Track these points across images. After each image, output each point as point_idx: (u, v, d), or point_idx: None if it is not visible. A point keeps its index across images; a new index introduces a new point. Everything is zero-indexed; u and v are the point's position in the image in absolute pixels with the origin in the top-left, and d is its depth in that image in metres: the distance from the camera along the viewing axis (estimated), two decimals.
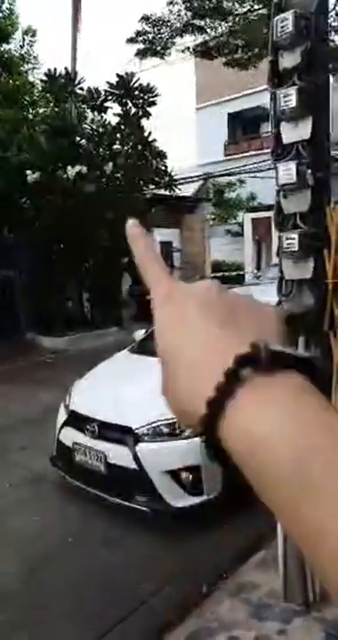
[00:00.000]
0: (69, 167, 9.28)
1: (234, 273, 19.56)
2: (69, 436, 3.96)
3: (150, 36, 12.07)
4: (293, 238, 2.36)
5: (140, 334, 5.30)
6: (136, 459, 3.44)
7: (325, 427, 0.29)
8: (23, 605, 2.83)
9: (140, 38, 12.11)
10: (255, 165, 17.44)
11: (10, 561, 3.23)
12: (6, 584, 3.00)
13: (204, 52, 12.60)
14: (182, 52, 12.55)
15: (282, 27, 2.07)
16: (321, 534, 0.27)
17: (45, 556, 3.25)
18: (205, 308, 0.36)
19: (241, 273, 19.01)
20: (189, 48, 12.50)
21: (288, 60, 2.20)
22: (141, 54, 12.31)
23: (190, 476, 3.39)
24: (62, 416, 4.17)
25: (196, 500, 3.41)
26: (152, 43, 12.11)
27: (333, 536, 0.26)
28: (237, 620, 2.52)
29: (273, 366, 0.31)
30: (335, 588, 0.27)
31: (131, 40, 12.19)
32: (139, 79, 10.32)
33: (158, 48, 12.12)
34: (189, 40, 12.33)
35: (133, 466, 3.44)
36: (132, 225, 0.43)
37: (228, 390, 0.31)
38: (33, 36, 15.17)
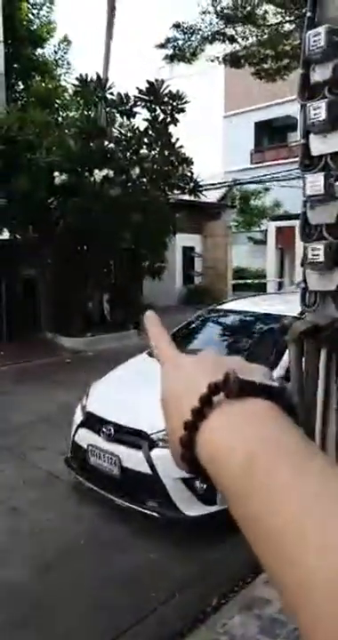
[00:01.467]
0: (96, 170, 9.38)
1: (256, 281, 19.45)
2: (85, 437, 3.98)
3: (180, 42, 12.16)
4: (319, 249, 2.33)
5: None
6: (150, 464, 3.43)
7: (272, 438, 0.34)
8: (33, 604, 2.85)
9: (170, 45, 12.22)
10: (281, 174, 17.35)
11: (21, 559, 3.26)
12: (18, 581, 3.03)
13: (233, 60, 12.62)
14: (212, 60, 12.59)
15: (314, 41, 2.06)
16: (261, 528, 0.31)
17: (57, 557, 3.27)
18: (197, 361, 0.44)
19: (263, 281, 18.88)
20: (218, 57, 12.53)
21: (319, 74, 2.18)
22: (170, 59, 12.41)
23: (204, 485, 3.37)
24: (79, 417, 4.20)
25: (209, 509, 3.38)
26: (181, 50, 12.20)
27: (266, 526, 0.31)
28: (247, 635, 2.48)
29: (240, 393, 0.36)
30: (271, 572, 0.31)
31: (161, 46, 12.31)
32: (169, 86, 10.39)
33: (187, 54, 12.20)
34: (220, 49, 12.38)
35: (147, 471, 3.44)
36: (150, 313, 0.53)
37: (201, 413, 0.37)
38: (68, 44, 15.48)
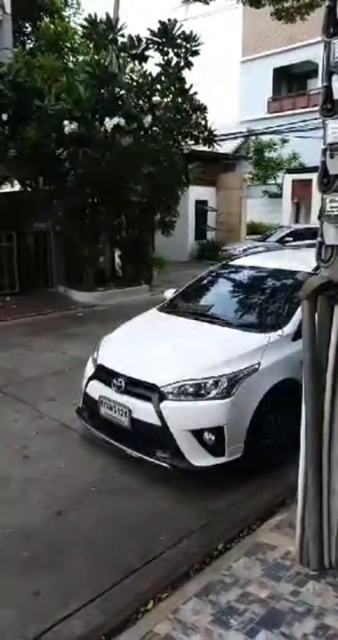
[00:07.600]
0: (107, 119, 9.05)
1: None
2: (96, 389, 4.04)
3: None
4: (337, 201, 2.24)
5: (170, 293, 5.28)
6: (160, 416, 3.48)
7: None
8: (46, 546, 2.98)
9: None
10: (300, 124, 16.65)
11: (35, 504, 3.39)
12: (32, 525, 3.16)
13: None
14: None
15: None
16: None
17: (68, 503, 3.38)
18: None
19: None
20: None
21: None
22: None
23: (213, 437, 3.42)
24: (90, 369, 4.25)
25: (217, 460, 3.45)
26: None
27: None
28: (251, 577, 2.58)
29: None
30: None
31: None
32: (182, 26, 9.83)
33: None
34: None
35: (157, 422, 3.49)
36: None
37: None
38: None
